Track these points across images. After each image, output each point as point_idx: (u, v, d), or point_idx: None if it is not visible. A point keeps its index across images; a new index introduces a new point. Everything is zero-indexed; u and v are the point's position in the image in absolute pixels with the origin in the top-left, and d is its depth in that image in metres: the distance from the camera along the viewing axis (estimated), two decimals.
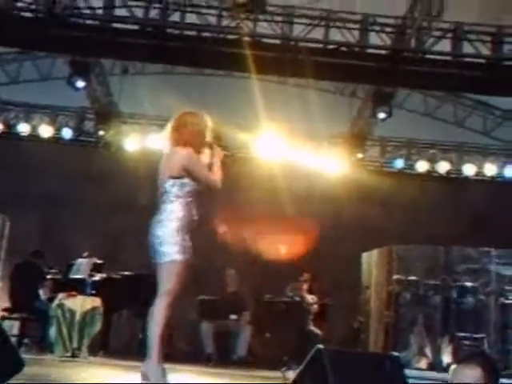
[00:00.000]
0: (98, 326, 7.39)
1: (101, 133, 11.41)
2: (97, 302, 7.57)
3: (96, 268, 8.17)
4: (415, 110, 11.75)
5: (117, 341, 7.63)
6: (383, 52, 9.06)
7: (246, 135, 11.09)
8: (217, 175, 4.56)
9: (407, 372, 4.67)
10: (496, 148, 11.86)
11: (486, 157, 11.76)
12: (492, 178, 11.69)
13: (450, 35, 8.86)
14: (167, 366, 4.28)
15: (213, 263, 8.93)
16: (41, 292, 8.19)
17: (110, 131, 11.36)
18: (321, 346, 4.30)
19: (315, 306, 9.13)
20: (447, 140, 11.74)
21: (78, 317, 7.29)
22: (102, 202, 10.46)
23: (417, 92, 11.61)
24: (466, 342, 7.94)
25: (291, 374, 4.36)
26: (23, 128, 11.37)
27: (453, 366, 2.97)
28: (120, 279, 7.50)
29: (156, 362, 4.17)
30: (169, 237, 4.33)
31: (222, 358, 8.34)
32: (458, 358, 3.06)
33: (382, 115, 10.60)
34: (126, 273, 7.75)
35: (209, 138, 4.61)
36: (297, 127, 10.94)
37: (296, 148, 11.29)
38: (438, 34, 8.87)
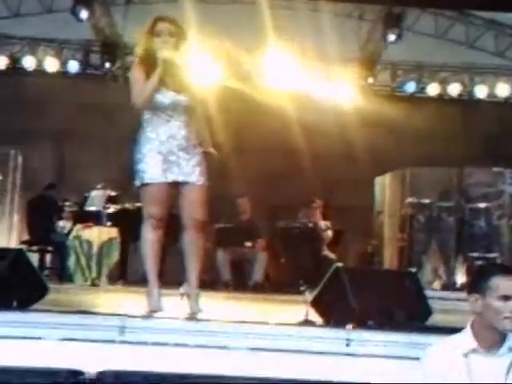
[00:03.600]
0: (115, 256, 7.51)
1: (107, 65, 11.30)
2: (113, 232, 7.66)
3: (110, 200, 8.24)
4: (426, 33, 11.48)
5: (135, 270, 7.74)
6: None
7: (255, 62, 10.95)
8: (140, 90, 4.17)
9: None
10: (509, 68, 11.66)
11: (498, 77, 11.59)
12: (505, 99, 11.54)
13: None
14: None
15: (226, 191, 8.95)
16: (61, 224, 8.28)
17: (116, 63, 11.25)
18: (339, 264, 4.34)
19: (329, 232, 9.20)
20: (459, 62, 11.54)
21: (95, 247, 7.41)
22: (112, 134, 10.43)
23: (427, 13, 11.33)
24: (479, 262, 8.03)
25: (308, 296, 4.43)
26: (28, 62, 11.24)
27: (495, 278, 2.79)
28: (135, 210, 7.54)
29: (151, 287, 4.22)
30: (139, 160, 4.24)
31: (239, 284, 8.46)
32: (485, 270, 2.94)
33: (392, 37, 10.41)
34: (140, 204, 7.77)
35: (160, 47, 4.18)
36: (306, 52, 10.77)
37: (306, 73, 11.14)
38: None
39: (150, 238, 4.27)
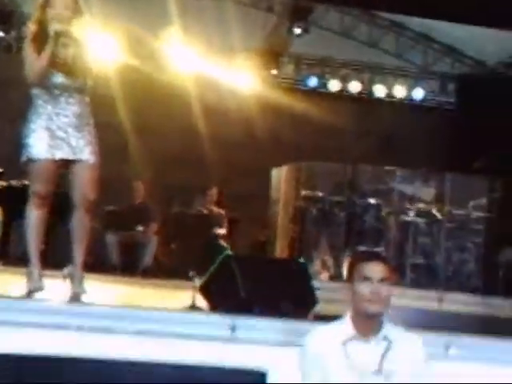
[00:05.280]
0: None
1: (1, 34, 10.85)
2: None
3: None
4: (331, 29, 11.68)
5: (17, 250, 7.47)
6: None
7: (159, 45, 10.78)
8: (31, 68, 4.03)
9: None
10: (407, 70, 12.05)
11: (396, 78, 11.95)
12: (401, 99, 11.92)
13: None
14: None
15: (119, 174, 8.79)
16: None
17: (10, 33, 10.81)
18: (229, 252, 4.36)
19: (223, 220, 9.20)
20: (361, 60, 11.81)
21: None
22: (4, 108, 10.00)
23: (334, 10, 11.52)
24: None
25: (197, 282, 4.41)
26: None
27: (360, 264, 2.93)
28: (20, 188, 7.27)
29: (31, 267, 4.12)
30: (27, 135, 4.12)
31: (128, 268, 8.30)
32: (354, 258, 3.09)
33: (297, 31, 10.52)
34: (27, 182, 7.47)
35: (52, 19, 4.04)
36: (211, 40, 10.70)
37: (210, 61, 11.08)
38: None
39: (33, 216, 4.17)
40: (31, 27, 4.19)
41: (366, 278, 2.88)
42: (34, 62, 4.05)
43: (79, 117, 4.17)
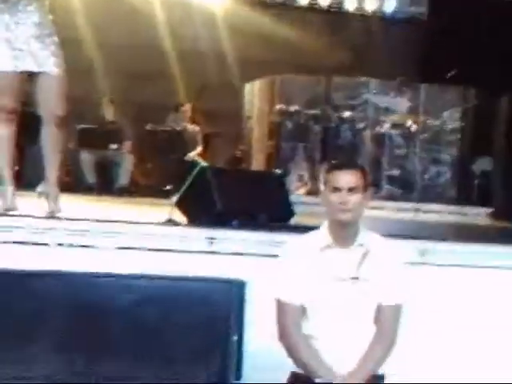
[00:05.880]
0: None
1: None
2: None
3: None
4: None
5: None
6: None
7: None
8: None
9: None
10: None
11: None
12: (373, 12, 11.68)
13: None
14: None
15: (87, 92, 8.58)
16: None
17: None
18: (204, 164, 4.32)
19: (197, 136, 9.13)
20: None
21: None
22: None
23: None
24: None
25: (174, 198, 4.39)
26: None
27: (331, 173, 2.95)
28: None
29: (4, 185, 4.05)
30: None
31: (104, 187, 8.23)
32: (327, 167, 3.08)
33: None
34: None
35: None
36: None
37: None
38: None
39: (0, 132, 4.04)
40: None
41: (336, 188, 2.89)
42: None
43: (40, 26, 4.00)
